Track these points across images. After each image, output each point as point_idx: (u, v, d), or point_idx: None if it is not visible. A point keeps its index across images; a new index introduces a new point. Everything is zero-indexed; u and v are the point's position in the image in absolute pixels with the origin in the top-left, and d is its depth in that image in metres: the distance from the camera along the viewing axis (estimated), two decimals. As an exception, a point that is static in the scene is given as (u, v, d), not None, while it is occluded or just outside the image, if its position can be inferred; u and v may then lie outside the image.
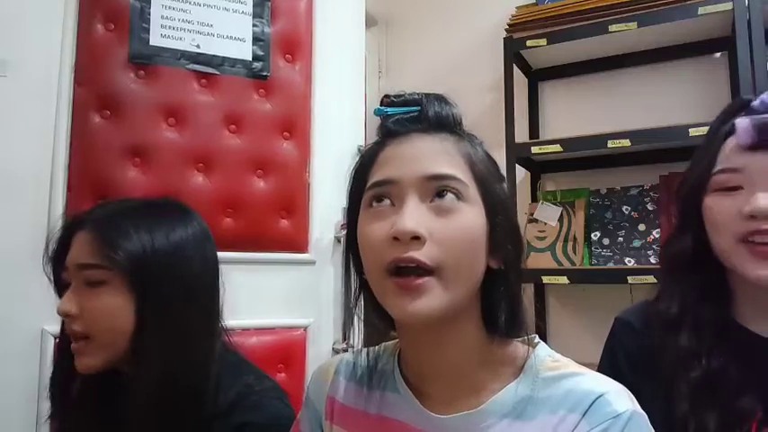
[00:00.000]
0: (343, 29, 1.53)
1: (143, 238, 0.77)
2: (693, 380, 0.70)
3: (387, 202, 0.57)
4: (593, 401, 0.54)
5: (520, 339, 0.63)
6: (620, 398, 0.55)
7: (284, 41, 1.41)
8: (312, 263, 1.41)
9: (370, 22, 2.41)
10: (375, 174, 0.60)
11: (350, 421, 0.66)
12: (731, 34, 1.72)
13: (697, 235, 0.77)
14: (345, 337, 1.38)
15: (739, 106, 0.77)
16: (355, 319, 1.49)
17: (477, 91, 2.23)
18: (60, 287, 0.83)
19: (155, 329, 0.76)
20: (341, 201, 1.41)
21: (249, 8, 1.37)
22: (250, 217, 1.35)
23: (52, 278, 0.84)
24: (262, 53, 1.38)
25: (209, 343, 0.82)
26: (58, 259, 0.82)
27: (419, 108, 0.62)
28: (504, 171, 2.09)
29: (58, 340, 0.86)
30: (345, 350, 1.38)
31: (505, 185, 0.64)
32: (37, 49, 1.19)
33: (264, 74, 1.38)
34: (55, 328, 1.12)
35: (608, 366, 0.82)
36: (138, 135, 1.24)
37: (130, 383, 0.77)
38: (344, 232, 1.47)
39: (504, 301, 0.60)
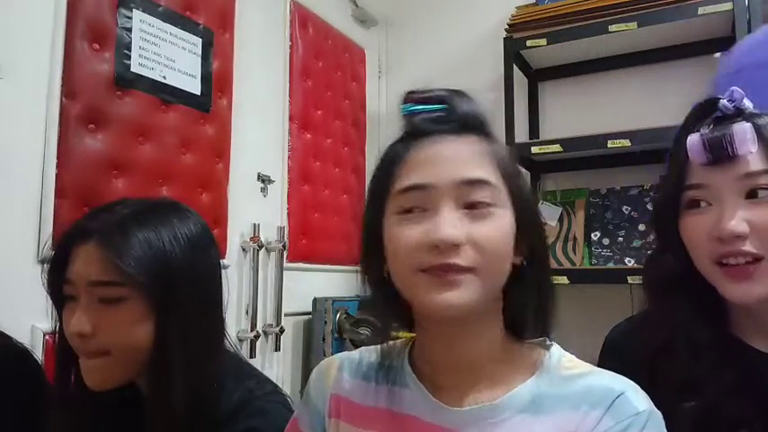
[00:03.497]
0: (259, 69, 1.85)
1: (156, 247, 0.74)
2: (692, 412, 0.64)
3: (415, 211, 0.57)
4: (616, 398, 0.55)
5: (536, 341, 0.64)
6: (640, 396, 0.57)
7: (217, 79, 1.66)
8: (227, 267, 1.63)
9: (371, 21, 2.41)
10: (405, 176, 0.58)
11: (358, 417, 0.65)
12: (731, 34, 1.72)
13: (678, 253, 0.71)
14: (252, 327, 1.71)
15: (706, 109, 0.72)
16: (259, 309, 1.65)
17: (477, 91, 2.22)
18: (59, 299, 0.78)
19: (176, 339, 0.74)
20: (250, 216, 1.75)
21: (199, 49, 1.61)
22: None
23: (50, 291, 0.79)
24: (206, 89, 1.62)
25: (220, 347, 0.81)
26: (57, 271, 0.76)
27: (444, 106, 0.61)
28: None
29: (56, 351, 0.81)
30: (255, 337, 1.70)
31: (527, 180, 0.65)
32: (27, 58, 1.22)
33: (207, 107, 1.62)
34: (45, 325, 1.12)
35: None
36: (117, 149, 1.37)
37: (151, 396, 0.75)
38: (254, 244, 1.70)
39: (533, 299, 0.61)
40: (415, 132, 0.61)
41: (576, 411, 0.56)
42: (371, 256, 0.62)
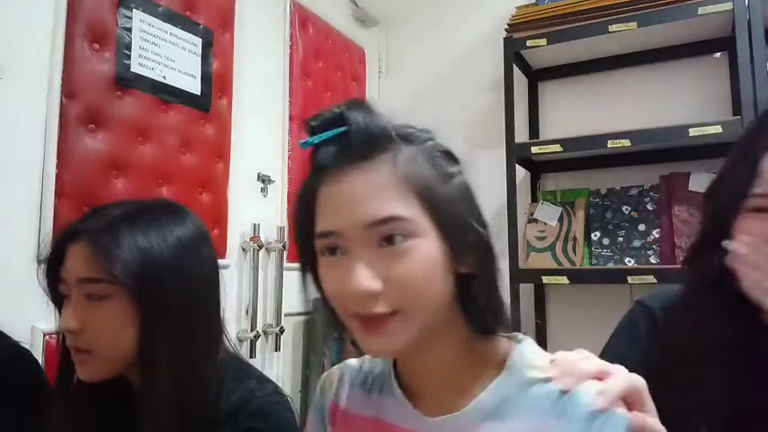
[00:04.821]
0: (259, 69, 1.85)
1: (143, 248, 0.74)
2: (705, 414, 0.61)
3: (338, 252, 0.56)
4: (572, 403, 0.53)
5: (504, 336, 0.62)
6: (600, 399, 0.54)
7: (217, 79, 1.67)
8: (227, 267, 1.66)
9: (371, 21, 2.41)
10: (319, 218, 0.57)
11: (348, 425, 0.67)
12: (731, 34, 1.72)
13: (725, 254, 0.68)
14: (252, 327, 1.72)
15: None
16: (259, 309, 1.66)
17: (477, 91, 2.23)
18: (57, 298, 0.80)
19: (162, 340, 0.74)
20: (250, 216, 1.76)
21: (199, 49, 1.61)
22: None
23: (48, 290, 0.80)
24: (206, 89, 1.62)
25: (215, 348, 0.81)
26: (52, 270, 0.78)
27: (343, 128, 0.56)
28: (504, 171, 2.05)
29: (59, 350, 0.83)
30: (255, 337, 1.71)
31: (458, 176, 0.59)
32: (27, 58, 1.22)
33: (207, 107, 1.62)
34: (45, 325, 1.15)
35: (627, 338, 0.77)
36: (117, 149, 1.37)
37: (139, 396, 0.76)
38: (254, 245, 1.71)
39: (480, 304, 0.59)
40: (319, 168, 0.57)
41: (532, 417, 0.55)
42: (318, 291, 0.62)
